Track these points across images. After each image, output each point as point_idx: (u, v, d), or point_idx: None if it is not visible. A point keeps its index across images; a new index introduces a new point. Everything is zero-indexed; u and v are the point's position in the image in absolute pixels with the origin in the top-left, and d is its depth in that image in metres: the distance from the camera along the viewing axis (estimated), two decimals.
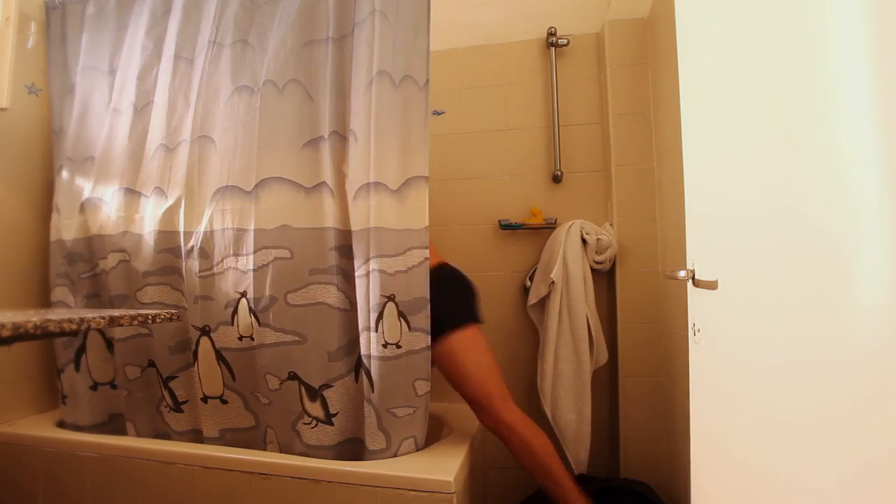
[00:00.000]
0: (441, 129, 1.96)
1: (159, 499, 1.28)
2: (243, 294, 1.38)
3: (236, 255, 1.39)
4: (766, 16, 0.66)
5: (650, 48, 1.71)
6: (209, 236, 1.41)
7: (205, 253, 1.42)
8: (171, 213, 1.48)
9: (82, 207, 1.58)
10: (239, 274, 1.39)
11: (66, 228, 1.60)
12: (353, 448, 1.34)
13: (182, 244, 1.45)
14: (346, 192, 1.34)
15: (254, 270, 1.36)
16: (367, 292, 1.27)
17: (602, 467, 1.75)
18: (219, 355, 1.41)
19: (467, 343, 1.33)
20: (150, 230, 1.48)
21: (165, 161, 1.50)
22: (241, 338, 1.39)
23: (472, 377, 1.31)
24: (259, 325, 1.36)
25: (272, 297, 1.35)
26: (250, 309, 1.37)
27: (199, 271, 1.43)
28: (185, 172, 1.46)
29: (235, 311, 1.39)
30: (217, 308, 1.41)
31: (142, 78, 1.57)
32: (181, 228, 1.45)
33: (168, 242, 1.48)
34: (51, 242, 1.61)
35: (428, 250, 1.29)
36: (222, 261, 1.41)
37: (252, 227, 1.37)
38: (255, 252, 1.36)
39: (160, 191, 1.49)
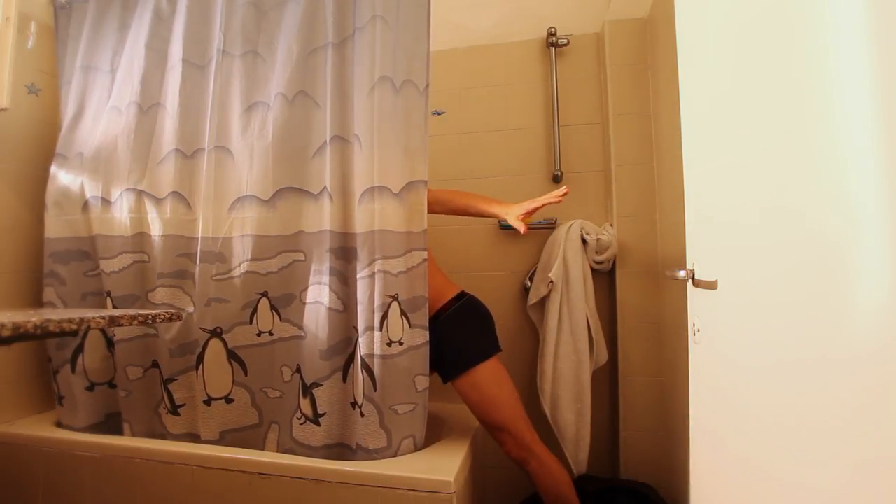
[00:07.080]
0: (441, 129, 1.96)
1: (159, 499, 1.28)
2: (264, 294, 1.43)
3: (256, 259, 1.42)
4: (766, 16, 0.66)
5: (650, 48, 1.71)
6: (229, 242, 1.45)
7: (223, 257, 1.45)
8: (192, 219, 1.49)
9: (86, 206, 1.56)
10: (259, 277, 1.43)
11: (60, 227, 1.58)
12: (341, 453, 1.35)
13: (199, 248, 1.46)
14: (351, 195, 1.37)
15: (275, 273, 1.42)
16: (372, 293, 1.29)
17: (602, 467, 1.75)
18: (231, 354, 1.43)
19: (495, 373, 1.34)
20: (168, 233, 1.49)
21: (183, 167, 1.51)
22: (259, 333, 1.43)
23: (503, 407, 1.32)
24: (280, 319, 1.42)
25: (291, 294, 1.42)
26: (272, 306, 1.43)
27: (216, 275, 1.44)
28: (204, 180, 1.48)
29: (255, 311, 1.43)
30: (233, 309, 1.43)
31: (146, 78, 1.56)
32: (199, 234, 1.47)
33: (186, 247, 1.49)
34: (45, 240, 1.58)
35: (426, 252, 1.32)
36: (240, 265, 1.43)
37: (273, 234, 1.42)
38: (275, 256, 1.42)
39: (179, 196, 1.50)
